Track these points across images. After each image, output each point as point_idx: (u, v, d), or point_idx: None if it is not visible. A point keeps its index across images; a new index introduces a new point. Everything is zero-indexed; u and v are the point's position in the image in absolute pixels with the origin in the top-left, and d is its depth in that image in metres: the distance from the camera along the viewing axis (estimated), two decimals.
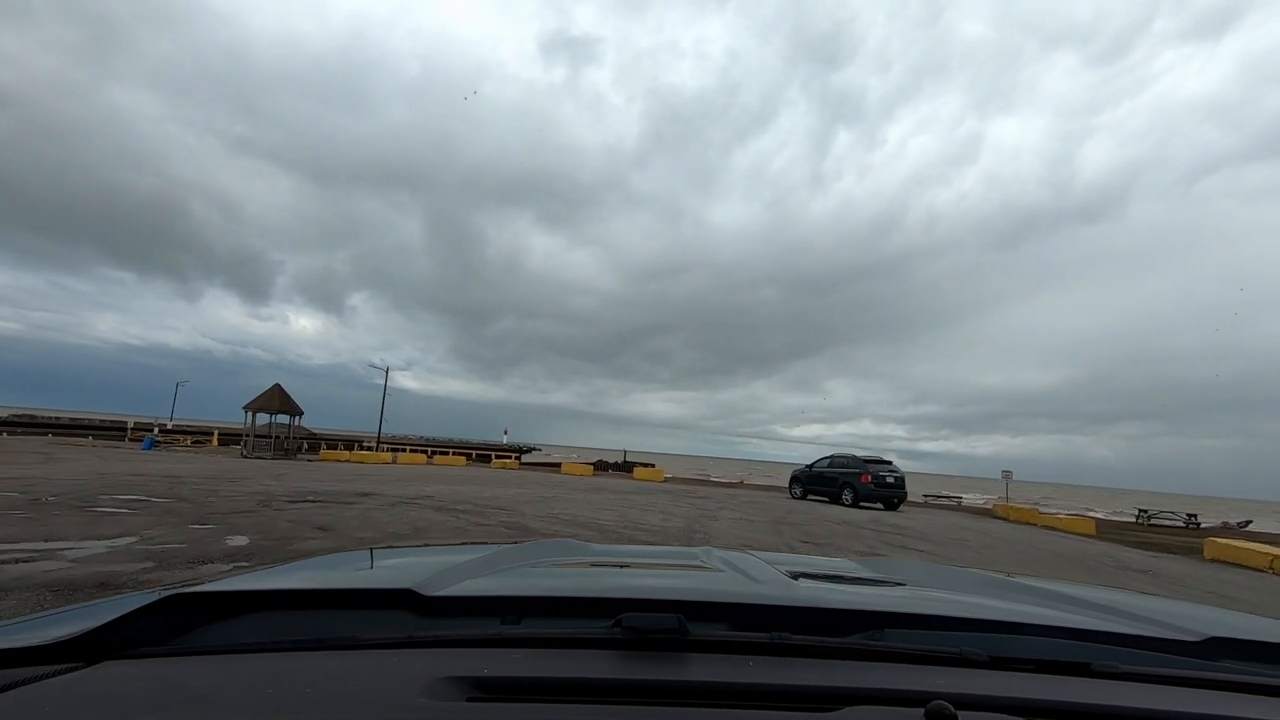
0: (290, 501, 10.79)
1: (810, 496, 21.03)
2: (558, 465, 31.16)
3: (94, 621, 0.77)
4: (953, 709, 0.59)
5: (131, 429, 48.34)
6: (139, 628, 0.78)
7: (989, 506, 26.47)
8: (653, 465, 41.42)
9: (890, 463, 19.49)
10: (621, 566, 1.48)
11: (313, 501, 11.00)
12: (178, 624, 0.81)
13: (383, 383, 48.89)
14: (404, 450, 53.72)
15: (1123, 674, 0.78)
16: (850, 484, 19.19)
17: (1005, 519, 19.66)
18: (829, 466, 20.64)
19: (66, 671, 0.68)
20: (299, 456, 32.07)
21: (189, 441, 44.70)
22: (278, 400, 31.66)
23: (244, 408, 31.75)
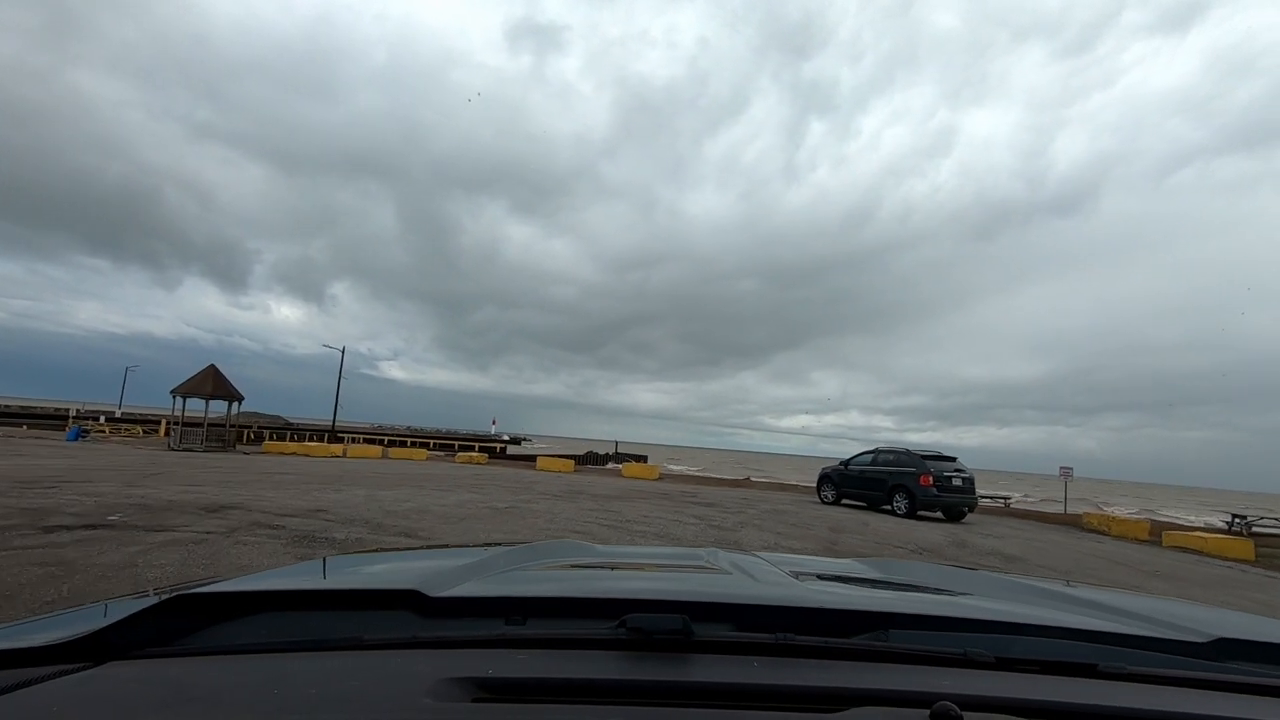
0: (70, 527, 6.68)
1: (845, 501, 16.61)
2: (533, 460, 26.64)
3: (100, 622, 0.77)
4: (958, 710, 0.58)
5: (73, 417, 43.93)
6: (145, 628, 0.77)
7: (1050, 510, 22.28)
8: (645, 459, 37.00)
9: (954, 459, 14.98)
10: (626, 567, 1.46)
11: (103, 528, 6.84)
12: (183, 625, 0.80)
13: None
14: (380, 441, 49.84)
15: (1129, 675, 0.76)
16: (905, 487, 14.57)
17: (1104, 533, 15.01)
18: (872, 464, 15.88)
19: (72, 672, 0.68)
20: (238, 448, 27.54)
21: (140, 431, 40.77)
22: (211, 383, 27.14)
23: (171, 392, 27.23)
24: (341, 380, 36.79)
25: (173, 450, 25.56)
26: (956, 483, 14.35)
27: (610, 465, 30.40)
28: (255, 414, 76.07)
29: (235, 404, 28.00)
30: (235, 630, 0.81)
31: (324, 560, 1.43)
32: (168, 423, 28.71)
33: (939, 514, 14.68)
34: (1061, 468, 21.26)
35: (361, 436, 62.54)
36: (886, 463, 15.52)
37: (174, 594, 0.84)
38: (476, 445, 66.59)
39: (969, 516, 15.03)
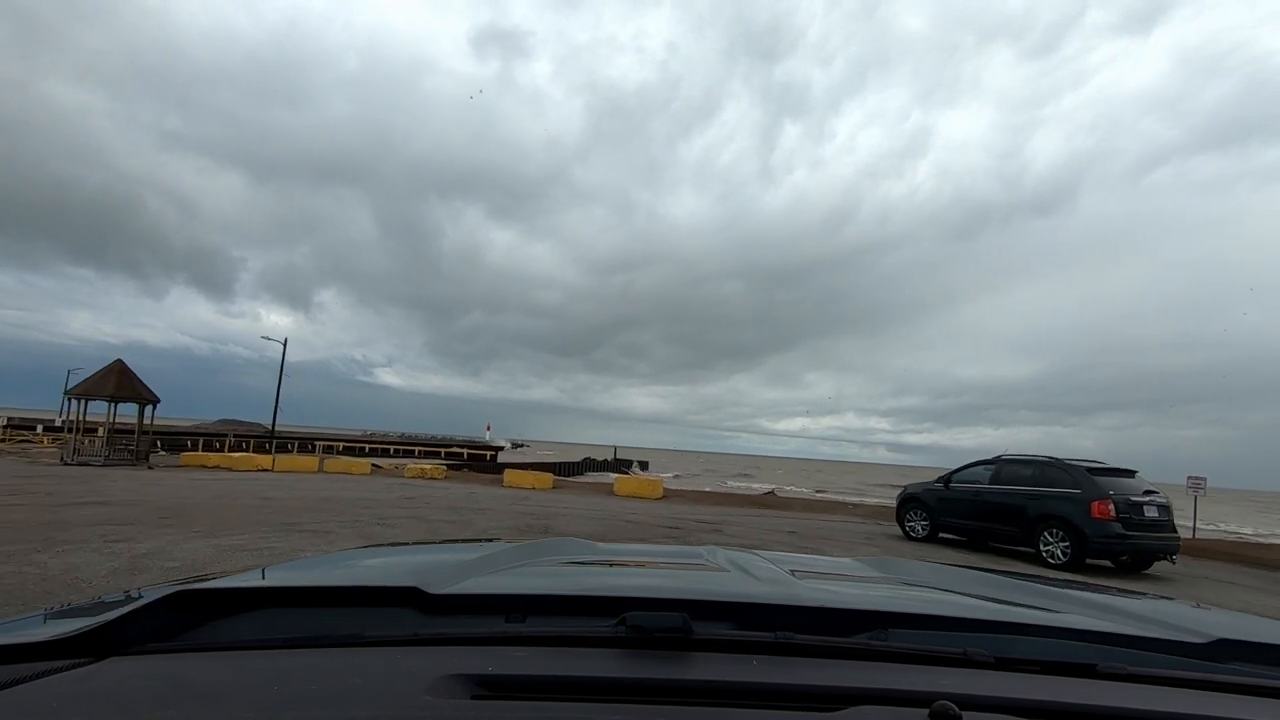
0: None
1: (944, 535, 10.62)
2: (499, 471, 20.98)
3: (102, 618, 0.76)
4: (957, 709, 0.58)
5: (3, 428, 38.57)
6: (146, 624, 0.76)
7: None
8: (644, 467, 31.26)
9: (1134, 473, 9.28)
10: (626, 565, 1.41)
11: None
12: (185, 620, 0.79)
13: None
14: (361, 450, 44.35)
15: (1129, 675, 0.75)
16: (1064, 520, 8.59)
17: None
18: (995, 481, 9.82)
19: (74, 667, 0.67)
20: (151, 461, 22.01)
21: (83, 441, 35.64)
22: (114, 383, 21.63)
23: (67, 393, 21.81)
24: (283, 378, 31.10)
25: (65, 464, 20.20)
26: (1150, 513, 8.55)
27: (590, 475, 24.72)
28: (235, 421, 71.27)
29: (149, 407, 22.54)
30: (236, 626, 0.80)
31: (324, 557, 1.39)
32: (107, 430, 23.43)
33: (1106, 560, 8.98)
34: (1191, 478, 15.68)
35: (340, 445, 57.20)
36: (1021, 479, 9.48)
37: (175, 590, 0.82)
38: (465, 453, 61.00)
39: (1154, 565, 9.15)
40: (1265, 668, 0.83)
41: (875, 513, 15.00)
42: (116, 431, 22.59)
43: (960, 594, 1.19)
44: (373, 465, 24.04)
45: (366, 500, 12.09)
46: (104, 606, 0.85)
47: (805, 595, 1.01)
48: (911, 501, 11.12)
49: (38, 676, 0.64)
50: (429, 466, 19.81)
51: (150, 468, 20.10)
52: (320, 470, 20.45)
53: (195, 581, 0.93)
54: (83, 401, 21.69)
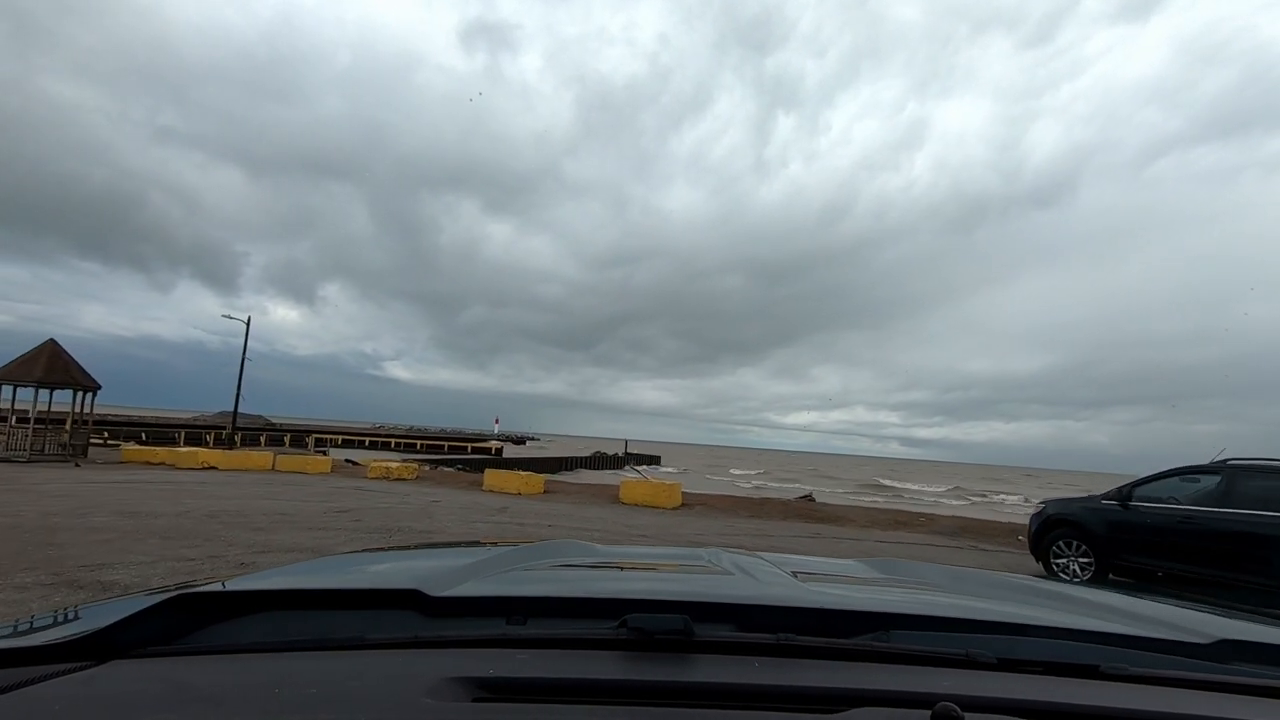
0: None
1: (1118, 577, 6.77)
2: (479, 472, 17.42)
3: (103, 621, 0.75)
4: (959, 711, 0.57)
5: None
6: (148, 627, 0.76)
7: None
8: (655, 462, 27.69)
9: None
10: (627, 568, 1.39)
11: None
12: (186, 623, 0.79)
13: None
14: (360, 443, 41.25)
15: (1132, 676, 0.74)
16: None
17: None
18: (1224, 501, 6.00)
19: (75, 670, 0.67)
20: (88, 456, 18.76)
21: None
22: (43, 366, 18.31)
23: None
24: (245, 362, 27.82)
25: None
26: None
27: (595, 474, 21.22)
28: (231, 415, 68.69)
29: (86, 395, 19.28)
30: (237, 629, 0.79)
31: (326, 560, 1.37)
32: (33, 421, 20.41)
33: None
34: None
35: (340, 438, 54.14)
36: None
37: (177, 593, 0.81)
38: (470, 447, 57.87)
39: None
40: (1269, 668, 0.82)
41: (966, 530, 11.36)
42: (79, 423, 19.41)
43: (962, 595, 1.18)
44: (347, 460, 20.70)
45: (280, 515, 8.64)
46: (105, 610, 0.84)
47: (807, 597, 1.00)
48: (1062, 527, 7.29)
49: (39, 680, 0.64)
50: (395, 465, 16.34)
51: (77, 465, 16.86)
52: (273, 468, 17.06)
53: (196, 585, 0.92)
54: (10, 388, 18.54)
